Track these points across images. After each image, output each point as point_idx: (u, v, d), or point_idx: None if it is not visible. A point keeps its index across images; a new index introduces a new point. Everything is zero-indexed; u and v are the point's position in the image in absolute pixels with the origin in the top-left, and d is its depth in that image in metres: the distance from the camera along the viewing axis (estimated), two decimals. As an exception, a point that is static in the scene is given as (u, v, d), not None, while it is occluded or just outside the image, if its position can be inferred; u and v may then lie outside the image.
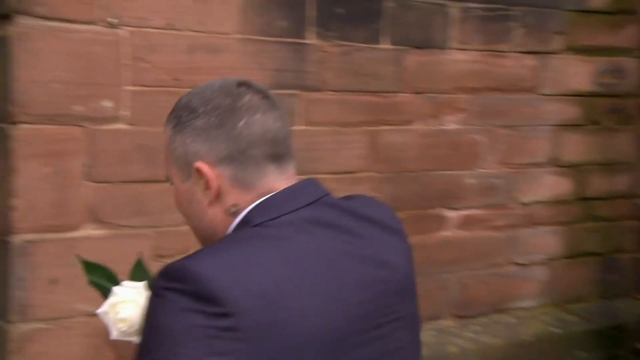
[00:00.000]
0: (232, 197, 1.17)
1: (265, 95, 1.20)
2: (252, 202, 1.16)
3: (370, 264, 1.16)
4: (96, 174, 2.78)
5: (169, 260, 1.09)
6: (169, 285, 1.01)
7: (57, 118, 2.69)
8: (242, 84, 1.20)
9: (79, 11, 2.71)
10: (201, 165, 1.16)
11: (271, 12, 3.09)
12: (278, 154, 1.18)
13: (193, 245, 1.24)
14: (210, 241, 1.18)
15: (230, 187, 1.16)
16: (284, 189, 1.16)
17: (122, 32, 2.82)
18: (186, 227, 1.29)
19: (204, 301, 0.98)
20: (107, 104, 2.81)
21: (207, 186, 1.17)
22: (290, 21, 3.14)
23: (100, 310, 1.23)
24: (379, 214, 1.24)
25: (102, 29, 2.78)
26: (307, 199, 1.15)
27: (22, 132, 2.63)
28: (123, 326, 1.18)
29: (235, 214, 1.17)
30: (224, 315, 0.98)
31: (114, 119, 2.82)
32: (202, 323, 0.98)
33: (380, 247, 1.19)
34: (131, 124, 2.86)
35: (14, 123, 2.61)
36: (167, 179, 1.26)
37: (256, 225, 1.12)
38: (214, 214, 1.19)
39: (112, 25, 2.80)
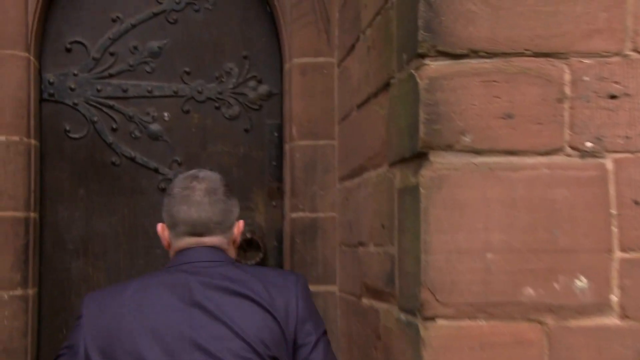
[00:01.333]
0: (171, 247, 1.93)
1: (207, 192, 1.88)
2: (174, 253, 1.90)
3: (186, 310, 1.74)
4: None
5: None
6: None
7: (493, 309, 1.69)
8: (195, 178, 1.92)
9: (527, 139, 1.71)
10: (158, 225, 1.95)
11: None
12: (194, 232, 1.86)
13: None
14: None
15: (170, 242, 1.92)
16: (184, 251, 1.87)
17: (606, 162, 1.70)
18: None
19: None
20: (582, 283, 1.68)
21: (162, 237, 1.95)
22: None
23: None
24: (236, 284, 1.78)
25: (570, 161, 1.71)
26: (186, 259, 1.86)
27: (437, 331, 1.69)
28: None
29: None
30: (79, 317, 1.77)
31: (597, 308, 1.68)
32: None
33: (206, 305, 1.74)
34: (625, 317, 1.66)
35: (427, 318, 1.70)
36: None
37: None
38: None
39: (590, 154, 1.70)
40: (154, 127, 3.08)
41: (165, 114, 3.10)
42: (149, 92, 3.09)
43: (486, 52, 1.72)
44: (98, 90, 3.08)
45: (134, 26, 3.09)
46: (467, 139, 1.72)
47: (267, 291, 1.76)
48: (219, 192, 1.89)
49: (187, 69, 3.12)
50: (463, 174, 1.71)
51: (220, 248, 1.88)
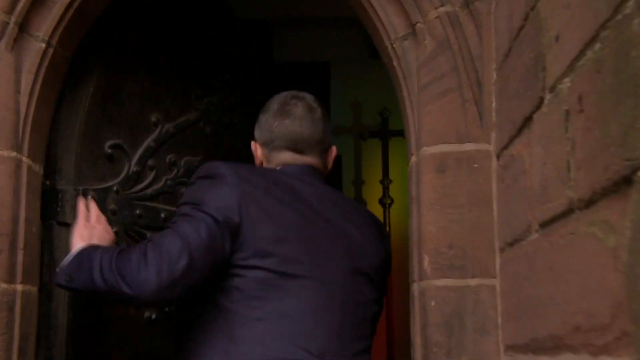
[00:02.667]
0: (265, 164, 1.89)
1: (308, 109, 1.87)
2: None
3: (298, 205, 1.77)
4: None
5: None
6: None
7: None
8: (295, 96, 1.89)
9: None
10: (253, 144, 1.92)
11: None
12: (295, 148, 1.85)
13: None
14: None
15: (264, 159, 1.89)
16: (285, 167, 1.84)
17: None
18: None
19: None
20: None
21: (255, 155, 1.92)
22: None
23: None
24: (344, 206, 1.89)
25: None
26: (293, 170, 1.84)
27: None
28: None
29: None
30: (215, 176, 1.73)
31: None
32: None
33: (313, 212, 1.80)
34: None
35: None
36: None
37: None
38: None
39: None
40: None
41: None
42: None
43: None
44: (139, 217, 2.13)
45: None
46: None
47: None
48: (319, 112, 1.90)
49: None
50: None
51: (319, 170, 1.90)
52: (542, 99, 1.41)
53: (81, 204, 2.03)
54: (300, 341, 1.68)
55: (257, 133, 1.90)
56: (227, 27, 2.69)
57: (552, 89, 1.35)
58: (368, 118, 4.93)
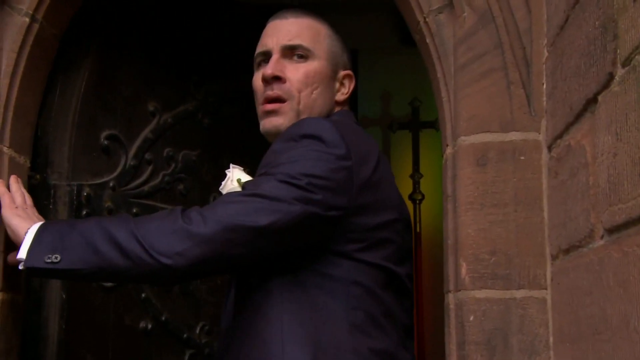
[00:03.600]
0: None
1: None
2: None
3: None
4: None
5: None
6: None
7: None
8: None
9: None
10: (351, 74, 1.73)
11: None
12: None
13: None
14: (305, 114, 1.63)
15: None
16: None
17: None
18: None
19: None
20: None
21: (346, 89, 1.72)
22: None
23: None
24: None
25: None
26: None
27: None
28: None
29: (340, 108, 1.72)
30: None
31: None
32: None
33: None
34: None
35: None
36: (300, 55, 1.65)
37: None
38: (330, 102, 1.69)
39: None
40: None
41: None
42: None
43: None
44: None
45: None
46: None
47: None
48: None
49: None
50: None
51: None
52: (611, 76, 1.16)
53: (0, 184, 1.67)
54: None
55: (345, 57, 1.75)
56: (229, 11, 2.45)
57: (627, 62, 1.09)
58: (397, 109, 4.69)
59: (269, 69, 1.62)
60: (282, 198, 1.43)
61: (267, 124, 1.64)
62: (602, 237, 1.23)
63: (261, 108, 1.65)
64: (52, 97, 1.91)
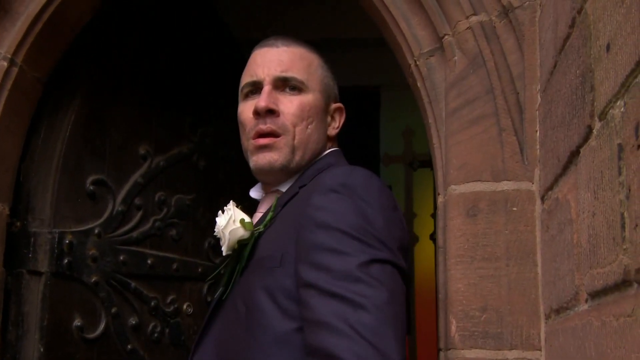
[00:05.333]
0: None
1: None
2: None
3: None
4: None
5: None
6: None
7: None
8: None
9: None
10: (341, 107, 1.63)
11: None
12: None
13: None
14: (301, 150, 1.54)
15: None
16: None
17: None
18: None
19: None
20: None
21: (337, 123, 1.61)
22: None
23: None
24: None
25: None
26: None
27: None
28: None
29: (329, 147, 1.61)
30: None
31: None
32: None
33: None
34: None
35: None
36: (294, 87, 1.55)
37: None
38: (323, 137, 1.59)
39: None
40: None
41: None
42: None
43: None
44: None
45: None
46: None
47: None
48: None
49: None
50: None
51: None
52: (590, 129, 1.09)
53: None
54: None
55: (335, 89, 1.62)
56: (225, 49, 2.42)
57: (602, 116, 1.03)
58: (419, 146, 4.63)
59: (262, 101, 1.52)
60: None
61: (261, 159, 1.53)
62: (586, 301, 1.16)
63: (252, 143, 1.55)
64: (36, 140, 1.89)
